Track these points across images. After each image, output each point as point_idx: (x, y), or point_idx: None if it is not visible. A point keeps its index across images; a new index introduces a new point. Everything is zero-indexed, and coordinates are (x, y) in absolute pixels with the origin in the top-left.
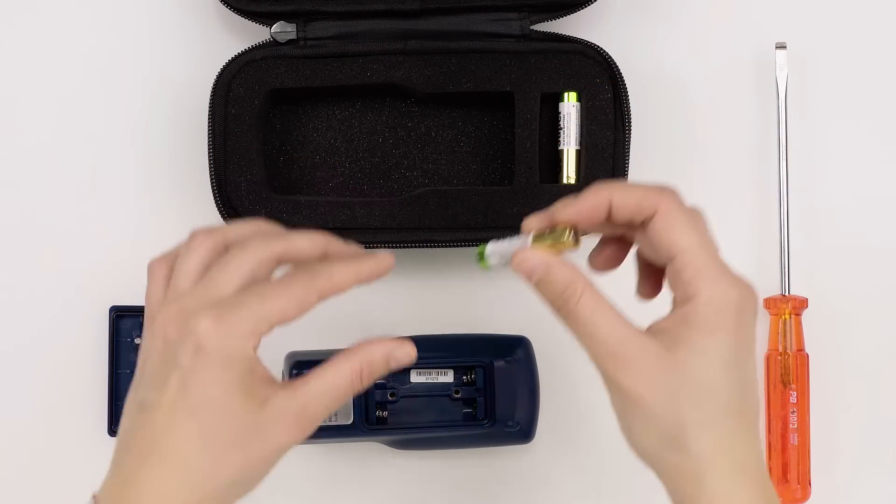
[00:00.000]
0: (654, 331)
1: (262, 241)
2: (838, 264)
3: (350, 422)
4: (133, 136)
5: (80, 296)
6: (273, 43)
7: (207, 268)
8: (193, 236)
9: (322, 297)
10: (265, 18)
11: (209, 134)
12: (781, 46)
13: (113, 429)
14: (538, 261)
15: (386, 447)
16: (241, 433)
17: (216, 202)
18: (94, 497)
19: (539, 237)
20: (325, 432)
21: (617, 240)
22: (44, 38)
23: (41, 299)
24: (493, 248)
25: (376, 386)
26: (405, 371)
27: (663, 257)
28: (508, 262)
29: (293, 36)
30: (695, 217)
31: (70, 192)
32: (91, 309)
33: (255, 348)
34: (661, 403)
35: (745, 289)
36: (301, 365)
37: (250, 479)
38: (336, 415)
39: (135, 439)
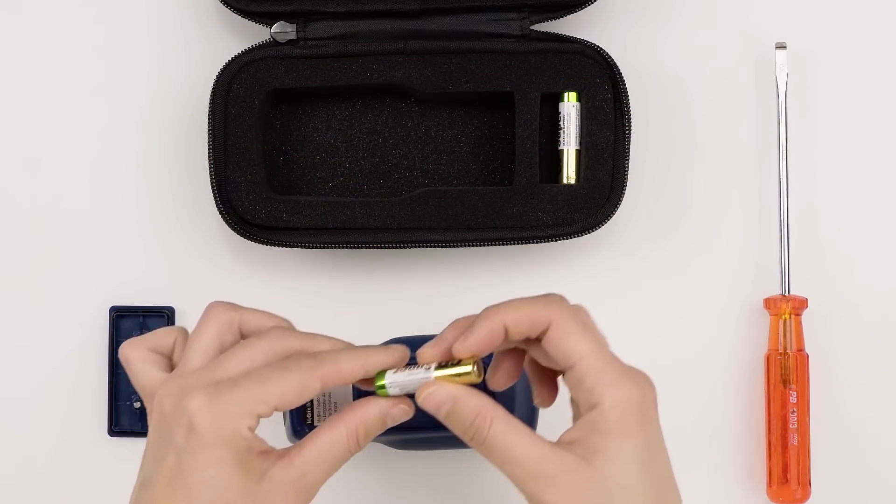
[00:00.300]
0: (565, 442)
1: (282, 334)
2: (838, 264)
3: None
4: (133, 136)
5: (80, 296)
6: (273, 43)
7: (222, 343)
8: (211, 308)
9: (325, 385)
10: (265, 18)
11: (209, 134)
12: (781, 46)
13: (113, 429)
14: (445, 395)
15: (386, 447)
16: None
17: (216, 202)
18: None
19: (442, 366)
20: None
21: (511, 352)
22: (44, 38)
23: (41, 299)
24: (393, 380)
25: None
26: None
27: (561, 366)
28: (411, 392)
29: (293, 36)
30: (584, 319)
31: (70, 191)
32: (91, 309)
33: (253, 429)
34: None
35: (644, 384)
36: None
37: None
38: None
39: None
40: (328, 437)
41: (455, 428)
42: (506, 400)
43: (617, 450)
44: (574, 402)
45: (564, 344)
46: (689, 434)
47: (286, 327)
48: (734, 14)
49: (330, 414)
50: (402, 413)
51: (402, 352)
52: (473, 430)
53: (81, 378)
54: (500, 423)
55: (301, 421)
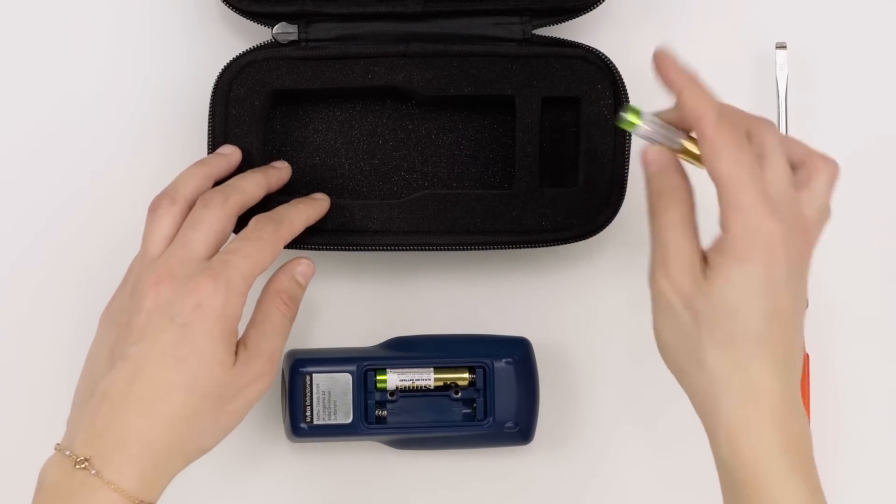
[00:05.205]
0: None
1: (223, 198)
2: (838, 265)
3: (349, 421)
4: (134, 136)
5: (79, 296)
6: (274, 44)
7: (176, 230)
8: (155, 205)
9: (287, 240)
10: (267, 19)
11: (209, 134)
12: (781, 46)
13: None
14: (666, 158)
15: (385, 447)
16: (219, 384)
17: None
18: (60, 448)
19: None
20: (325, 431)
21: None
22: (45, 38)
23: (41, 299)
24: (650, 125)
25: (376, 385)
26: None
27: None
28: (650, 139)
29: (295, 37)
30: (738, 138)
31: (70, 191)
32: (91, 309)
33: (243, 305)
34: (687, 318)
35: (785, 226)
36: (301, 363)
37: (224, 427)
38: (336, 414)
39: (112, 391)
40: (263, 318)
41: (648, 189)
42: (507, 400)
43: (730, 272)
44: None
45: (709, 162)
46: (692, 435)
47: (215, 191)
48: (734, 15)
49: (329, 412)
50: (307, 267)
51: (325, 198)
52: (656, 201)
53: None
54: (677, 213)
55: (301, 419)
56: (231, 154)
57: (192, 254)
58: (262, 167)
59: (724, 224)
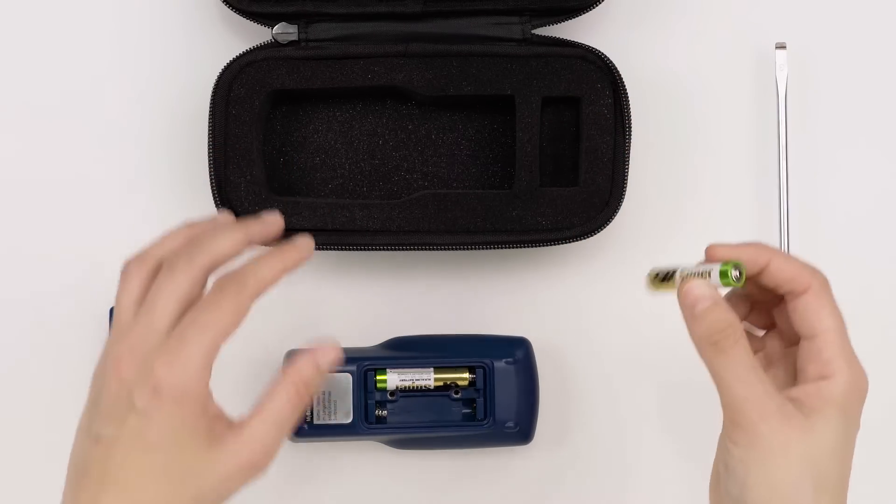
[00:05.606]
0: (785, 396)
1: (188, 259)
2: (839, 266)
3: (349, 421)
4: (133, 136)
5: (79, 296)
6: (274, 44)
7: (145, 293)
8: (126, 268)
9: (255, 299)
10: (267, 19)
11: (209, 134)
12: (781, 46)
13: None
14: (707, 293)
15: (385, 446)
16: (195, 468)
17: (216, 202)
18: None
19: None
20: (325, 431)
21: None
22: (46, 37)
23: (40, 300)
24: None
25: (376, 385)
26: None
27: (803, 332)
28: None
29: (294, 37)
30: (833, 297)
31: (70, 191)
32: (91, 309)
33: (208, 382)
34: (790, 461)
35: (866, 380)
36: None
37: None
38: (336, 414)
39: (92, 469)
40: (271, 405)
41: (700, 331)
42: (507, 400)
43: (834, 419)
44: (798, 367)
45: (817, 313)
46: (693, 437)
47: (181, 251)
48: (734, 15)
49: (329, 412)
50: (333, 353)
51: (308, 242)
52: (719, 339)
53: (81, 380)
54: (747, 350)
55: (301, 419)
56: (224, 223)
57: (152, 326)
58: (247, 221)
59: (827, 373)
